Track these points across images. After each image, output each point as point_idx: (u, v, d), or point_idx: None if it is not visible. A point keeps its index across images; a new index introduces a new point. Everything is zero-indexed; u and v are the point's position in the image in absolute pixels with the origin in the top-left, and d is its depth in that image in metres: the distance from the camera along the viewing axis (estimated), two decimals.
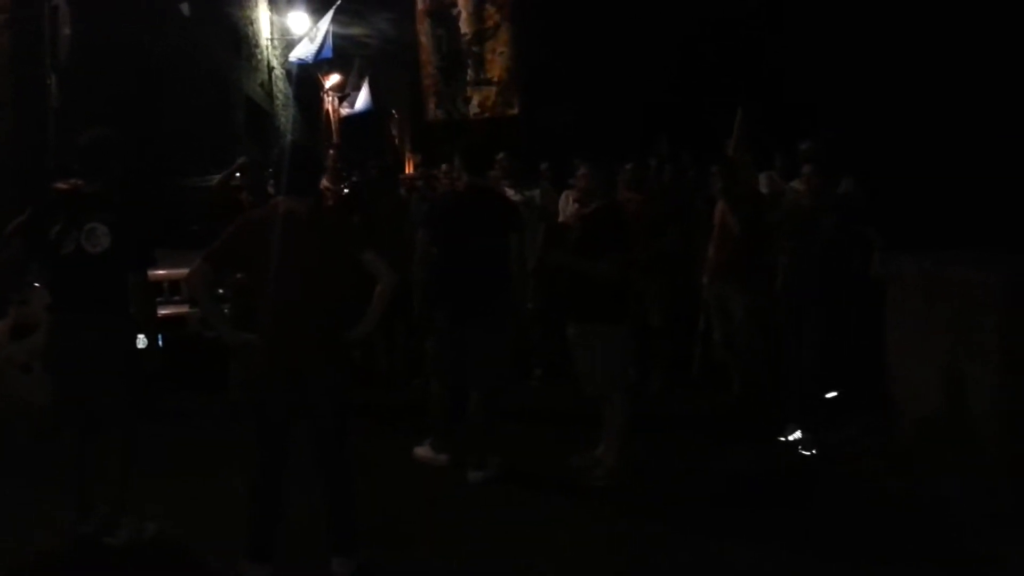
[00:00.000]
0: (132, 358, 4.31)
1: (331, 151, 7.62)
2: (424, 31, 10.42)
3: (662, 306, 6.98)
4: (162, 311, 7.06)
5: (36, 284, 4.81)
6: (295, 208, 3.77)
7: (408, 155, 27.54)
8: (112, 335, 4.22)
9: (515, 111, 10.37)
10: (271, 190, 5.25)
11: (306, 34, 15.71)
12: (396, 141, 28.08)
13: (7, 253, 4.46)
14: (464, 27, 10.34)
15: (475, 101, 10.43)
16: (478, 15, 10.35)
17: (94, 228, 4.12)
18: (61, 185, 4.38)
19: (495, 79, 10.33)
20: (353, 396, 4.03)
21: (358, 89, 20.38)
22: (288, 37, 17.08)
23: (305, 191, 3.88)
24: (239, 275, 5.17)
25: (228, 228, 3.87)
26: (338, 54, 17.43)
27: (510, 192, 6.85)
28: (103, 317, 4.20)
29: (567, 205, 7.72)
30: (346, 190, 7.25)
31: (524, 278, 5.43)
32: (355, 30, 19.04)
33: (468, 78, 10.42)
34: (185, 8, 12.43)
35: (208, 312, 4.15)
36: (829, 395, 6.07)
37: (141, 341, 4.39)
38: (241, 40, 15.42)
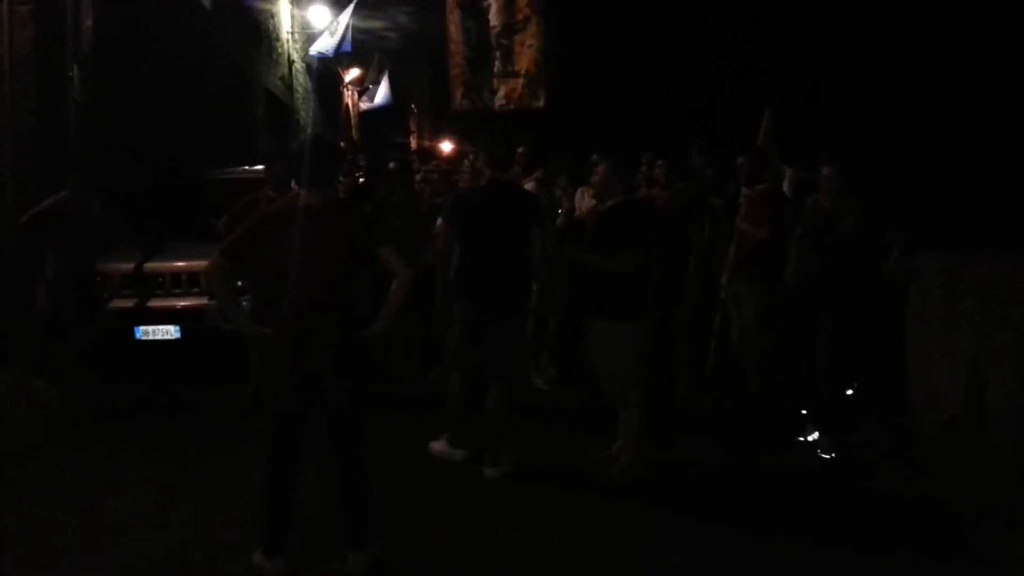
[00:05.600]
0: None
1: (342, 143, 7.62)
2: (454, 21, 10.49)
3: (688, 305, 6.94)
4: (182, 303, 7.18)
5: None
6: (313, 202, 3.76)
7: (425, 146, 27.55)
8: None
9: (540, 104, 10.40)
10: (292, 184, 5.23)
11: (326, 28, 15.75)
12: (414, 135, 28.11)
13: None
14: (494, 19, 10.41)
15: (501, 92, 10.47)
16: (508, 8, 10.40)
17: None
18: None
19: (522, 71, 10.36)
20: (369, 391, 4.02)
21: (378, 84, 20.40)
22: (308, 31, 17.12)
23: (324, 185, 3.86)
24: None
25: (246, 222, 3.88)
26: (358, 48, 17.44)
27: (529, 186, 6.85)
28: None
29: (583, 200, 7.68)
30: (360, 178, 7.26)
31: (547, 272, 5.44)
32: (375, 24, 19.10)
33: (495, 70, 10.46)
34: (207, 1, 12.48)
35: (226, 305, 4.16)
36: (847, 392, 6.02)
37: None
38: (262, 33, 15.46)
